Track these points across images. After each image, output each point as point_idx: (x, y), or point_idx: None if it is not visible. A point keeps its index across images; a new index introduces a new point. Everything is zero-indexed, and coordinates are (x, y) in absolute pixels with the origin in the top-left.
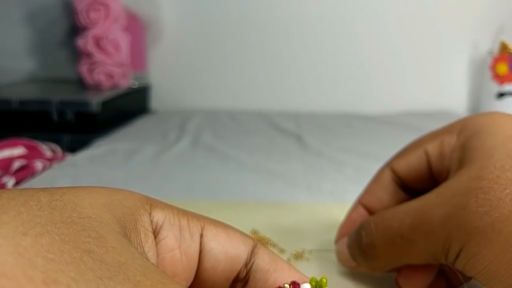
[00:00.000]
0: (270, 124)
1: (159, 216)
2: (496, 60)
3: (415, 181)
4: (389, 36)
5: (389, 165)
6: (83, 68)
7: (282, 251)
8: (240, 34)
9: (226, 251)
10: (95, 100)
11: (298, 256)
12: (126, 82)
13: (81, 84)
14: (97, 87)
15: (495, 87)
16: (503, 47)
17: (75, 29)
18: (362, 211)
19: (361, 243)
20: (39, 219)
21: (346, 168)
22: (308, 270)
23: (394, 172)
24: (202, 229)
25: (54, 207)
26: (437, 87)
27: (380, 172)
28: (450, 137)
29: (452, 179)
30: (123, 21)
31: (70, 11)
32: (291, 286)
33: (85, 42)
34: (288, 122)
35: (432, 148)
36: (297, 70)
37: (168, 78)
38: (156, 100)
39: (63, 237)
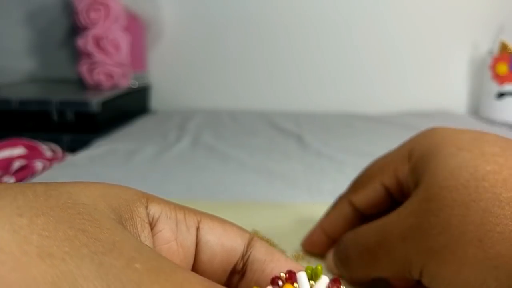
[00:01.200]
0: (270, 124)
1: (155, 209)
2: (496, 60)
3: (376, 212)
4: (389, 36)
5: (347, 198)
6: (83, 68)
7: (282, 251)
8: (241, 34)
9: (222, 243)
10: (95, 100)
11: (299, 257)
12: (126, 82)
13: (81, 84)
14: (97, 87)
15: (495, 87)
16: (503, 47)
17: (75, 29)
18: (321, 237)
19: (340, 255)
20: (35, 204)
21: (347, 168)
22: None
23: (353, 206)
24: (199, 223)
25: (49, 195)
26: (437, 87)
27: (339, 204)
28: (402, 165)
29: (408, 200)
30: (123, 21)
31: (70, 11)
32: (286, 275)
33: (85, 42)
34: (288, 122)
35: (388, 179)
36: (298, 70)
37: (168, 78)
38: (156, 100)
39: (58, 218)
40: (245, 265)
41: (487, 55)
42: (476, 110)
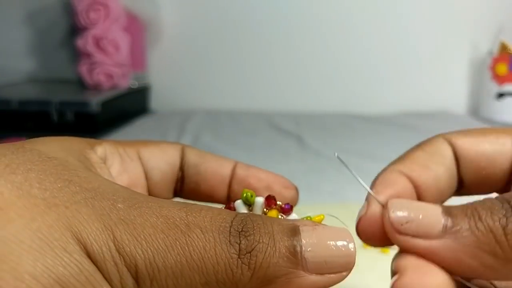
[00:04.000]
0: (270, 125)
1: (100, 150)
2: (496, 61)
3: (482, 175)
4: (389, 37)
5: (446, 138)
6: (83, 68)
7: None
8: (240, 34)
9: (165, 162)
10: (95, 100)
11: None
12: (126, 82)
13: (81, 84)
14: (97, 87)
15: (495, 87)
16: (503, 47)
17: (75, 29)
18: (407, 184)
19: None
20: (17, 160)
21: (346, 169)
22: None
23: (454, 148)
24: (138, 152)
25: (23, 151)
26: (437, 87)
27: (430, 143)
28: None
29: None
30: (123, 21)
31: (70, 11)
32: (226, 206)
33: (85, 42)
34: (288, 122)
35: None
36: (297, 70)
37: (168, 78)
38: (156, 100)
39: (44, 171)
40: (183, 172)
41: (487, 56)
42: (475, 111)
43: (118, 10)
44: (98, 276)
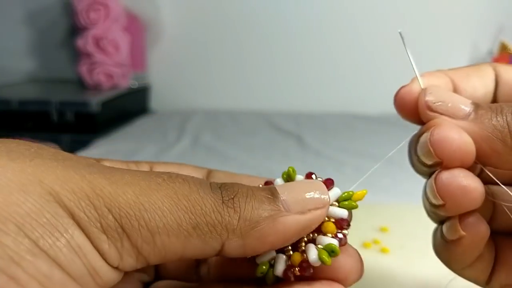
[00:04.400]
0: (270, 124)
1: (108, 164)
2: (496, 60)
3: None
4: (389, 36)
5: (491, 65)
6: (83, 68)
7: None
8: (240, 34)
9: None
10: (95, 100)
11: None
12: (126, 82)
13: (81, 84)
14: (97, 87)
15: None
16: (503, 47)
17: (75, 29)
18: (448, 83)
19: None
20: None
21: (346, 168)
22: None
23: (497, 76)
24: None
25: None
26: None
27: (476, 65)
28: None
29: None
30: (123, 21)
31: (70, 11)
32: (265, 184)
33: (85, 42)
34: (288, 122)
35: None
36: (297, 70)
37: (168, 78)
38: (156, 100)
39: (31, 155)
40: None
41: (487, 55)
42: None
43: (118, 10)
44: (64, 218)
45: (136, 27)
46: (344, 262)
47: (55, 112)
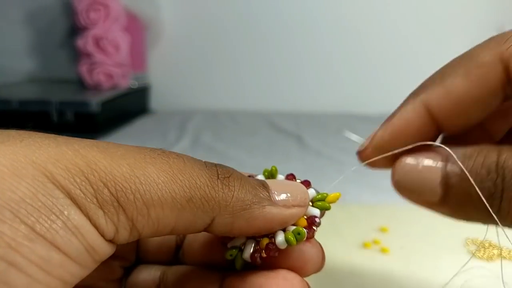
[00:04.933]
0: (270, 124)
1: None
2: None
3: (466, 123)
4: (389, 36)
5: (419, 97)
6: (83, 68)
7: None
8: (240, 34)
9: None
10: (95, 100)
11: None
12: (126, 82)
13: (81, 84)
14: (97, 87)
15: None
16: None
17: (75, 29)
18: (374, 153)
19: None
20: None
21: (346, 168)
22: None
23: (427, 108)
24: None
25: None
26: None
27: (407, 105)
28: None
29: None
30: (123, 21)
31: (70, 11)
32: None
33: (85, 42)
34: (288, 122)
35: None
36: (297, 70)
37: (168, 78)
38: (156, 100)
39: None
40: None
41: None
42: None
43: (118, 10)
44: (59, 196)
45: (136, 27)
46: (306, 249)
47: (55, 112)
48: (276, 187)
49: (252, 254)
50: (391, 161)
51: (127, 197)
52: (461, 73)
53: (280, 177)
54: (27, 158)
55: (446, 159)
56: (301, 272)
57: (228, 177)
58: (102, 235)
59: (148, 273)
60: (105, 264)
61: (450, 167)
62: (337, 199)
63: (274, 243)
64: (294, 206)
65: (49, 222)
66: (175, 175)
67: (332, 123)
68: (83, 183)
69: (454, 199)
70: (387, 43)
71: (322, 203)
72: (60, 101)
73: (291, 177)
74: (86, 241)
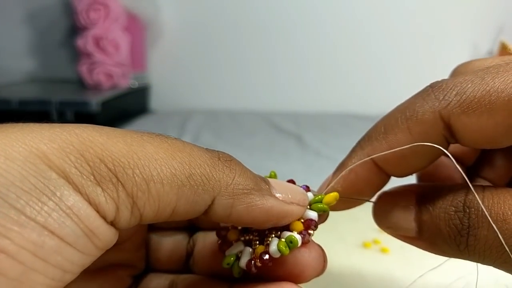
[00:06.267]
0: (270, 124)
1: None
2: None
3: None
4: (389, 36)
5: (365, 150)
6: (83, 68)
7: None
8: (240, 34)
9: None
10: (95, 100)
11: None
12: (126, 82)
13: (81, 84)
14: (97, 87)
15: None
16: (503, 47)
17: (75, 29)
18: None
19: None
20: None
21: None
22: None
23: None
24: None
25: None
26: None
27: (354, 158)
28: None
29: None
30: (123, 21)
31: (70, 11)
32: None
33: (85, 42)
34: (288, 122)
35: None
36: (297, 70)
37: (168, 78)
38: (156, 100)
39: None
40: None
41: (487, 56)
42: None
43: (118, 10)
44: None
45: (136, 27)
46: (303, 256)
47: (55, 112)
48: (276, 185)
49: (248, 263)
50: (348, 205)
51: (126, 172)
52: (403, 129)
53: None
54: (19, 141)
55: (421, 197)
56: (301, 278)
57: (230, 161)
58: (103, 217)
59: (157, 282)
60: (113, 273)
61: (423, 204)
62: (335, 199)
63: (268, 252)
64: (293, 203)
65: (39, 204)
66: (174, 152)
67: (332, 123)
68: (79, 160)
69: (427, 235)
70: (387, 43)
71: (319, 205)
72: (60, 101)
73: (291, 182)
74: (83, 223)
